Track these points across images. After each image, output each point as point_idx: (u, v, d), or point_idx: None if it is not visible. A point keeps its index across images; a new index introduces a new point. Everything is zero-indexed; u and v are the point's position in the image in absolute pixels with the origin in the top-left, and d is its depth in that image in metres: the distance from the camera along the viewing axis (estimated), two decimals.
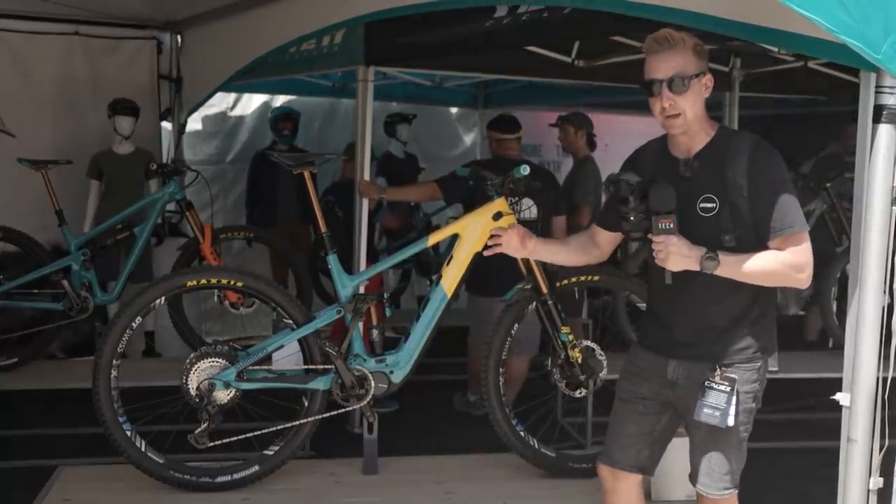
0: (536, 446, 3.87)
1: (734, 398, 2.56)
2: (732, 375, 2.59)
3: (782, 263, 2.50)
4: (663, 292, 2.69)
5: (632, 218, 2.60)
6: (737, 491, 2.72)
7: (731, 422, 2.56)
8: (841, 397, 2.42)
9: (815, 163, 6.80)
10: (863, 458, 2.38)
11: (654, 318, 2.79)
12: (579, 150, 6.04)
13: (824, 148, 7.01)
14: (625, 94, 7.03)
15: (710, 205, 2.55)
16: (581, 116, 6.14)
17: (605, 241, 2.92)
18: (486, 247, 3.14)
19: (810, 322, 6.91)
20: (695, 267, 2.50)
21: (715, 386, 2.58)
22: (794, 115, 8.05)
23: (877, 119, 2.31)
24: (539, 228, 4.63)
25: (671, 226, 2.50)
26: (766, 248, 2.52)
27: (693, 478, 2.75)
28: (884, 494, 2.45)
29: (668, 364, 2.70)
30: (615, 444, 2.81)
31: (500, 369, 3.85)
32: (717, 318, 2.63)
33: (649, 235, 2.55)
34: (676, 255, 2.50)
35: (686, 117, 2.54)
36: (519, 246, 2.97)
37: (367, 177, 5.00)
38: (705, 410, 2.58)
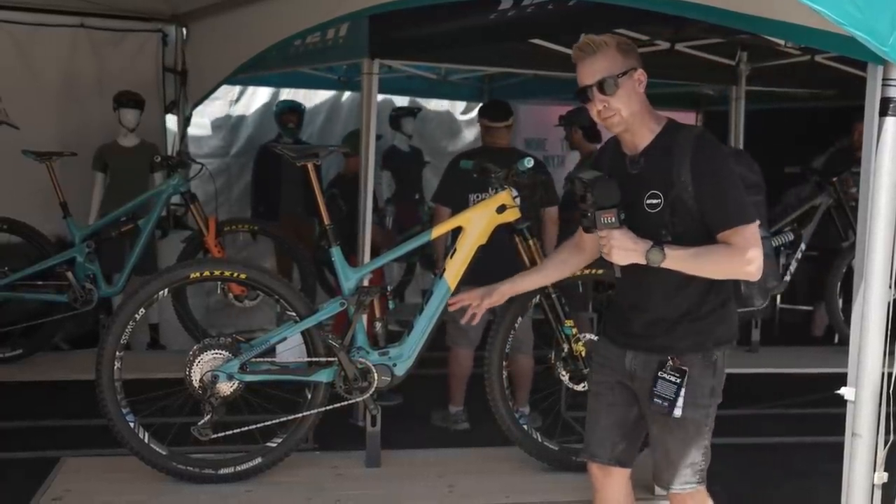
0: (540, 440, 3.86)
1: (683, 389, 2.58)
2: (683, 367, 2.61)
3: (728, 257, 2.51)
4: (620, 285, 2.73)
5: (589, 215, 2.61)
6: (702, 487, 2.72)
7: (677, 413, 2.59)
8: (846, 392, 2.41)
9: (828, 158, 6.78)
10: (867, 453, 2.38)
11: (615, 310, 2.82)
12: (581, 146, 6.03)
13: (833, 143, 6.99)
14: None
15: (655, 201, 2.57)
16: (573, 113, 6.08)
17: (591, 242, 2.92)
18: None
19: (817, 318, 6.89)
20: (640, 260, 2.51)
21: (665, 376, 2.61)
22: (802, 110, 8.02)
23: (883, 112, 2.30)
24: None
25: (613, 220, 2.52)
26: (713, 240, 2.53)
27: (654, 476, 2.77)
28: (888, 489, 2.45)
29: (626, 355, 2.73)
30: (593, 439, 2.84)
31: (504, 363, 3.84)
32: (668, 311, 2.65)
33: (596, 231, 2.56)
34: (619, 248, 2.52)
35: (622, 115, 2.56)
36: (485, 301, 3.06)
37: (371, 170, 4.99)
38: (655, 400, 2.62)
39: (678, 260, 2.50)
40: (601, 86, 2.53)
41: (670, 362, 2.61)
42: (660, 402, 2.60)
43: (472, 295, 3.10)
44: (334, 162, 6.54)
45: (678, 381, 2.59)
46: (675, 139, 2.57)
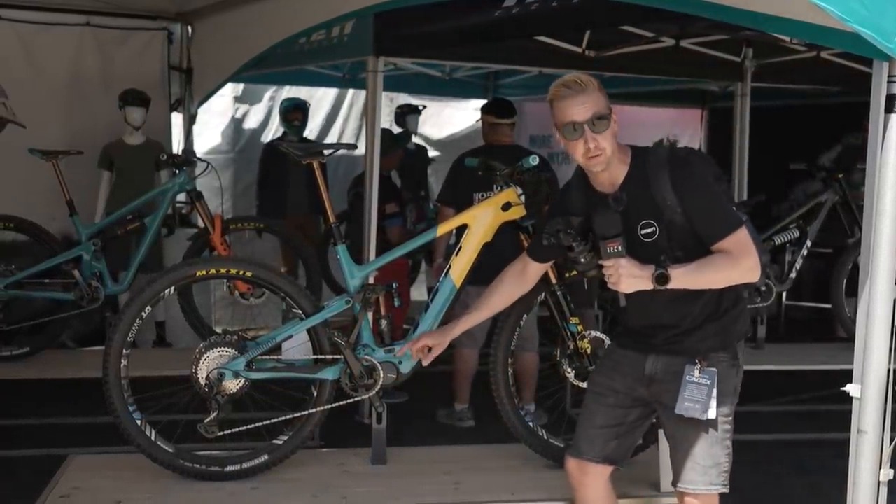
0: (545, 437, 3.86)
1: (714, 391, 2.60)
2: (713, 369, 2.63)
3: (730, 263, 2.54)
4: (631, 310, 2.72)
5: (582, 260, 2.64)
6: (725, 491, 2.71)
7: (711, 414, 2.60)
8: (851, 389, 2.41)
9: (838, 155, 6.77)
10: (873, 449, 2.37)
11: (630, 330, 2.83)
12: None
13: (840, 139, 6.97)
14: (635, 84, 7.01)
15: (650, 230, 2.59)
16: None
17: (536, 272, 3.04)
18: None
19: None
20: (648, 286, 2.52)
21: (695, 380, 2.62)
22: (807, 106, 8.00)
23: (889, 109, 2.30)
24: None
25: (620, 248, 2.53)
26: (709, 251, 2.56)
27: (675, 479, 2.74)
28: (894, 486, 2.45)
29: (647, 359, 2.74)
30: (583, 436, 2.86)
31: (510, 360, 3.84)
32: (691, 322, 2.67)
33: (599, 261, 2.58)
34: (627, 276, 2.52)
35: (607, 154, 2.58)
36: (440, 343, 3.25)
37: (376, 167, 4.99)
38: (686, 404, 2.62)
39: (683, 278, 2.52)
40: (594, 123, 2.54)
41: (698, 365, 2.63)
42: (691, 405, 2.60)
43: (425, 342, 3.28)
44: (357, 161, 6.53)
45: (709, 382, 2.60)
46: (648, 165, 2.60)
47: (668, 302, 2.63)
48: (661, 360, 2.71)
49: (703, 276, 2.55)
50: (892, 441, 2.40)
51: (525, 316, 3.88)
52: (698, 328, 2.66)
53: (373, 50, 4.90)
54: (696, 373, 2.61)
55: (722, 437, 2.67)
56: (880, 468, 2.38)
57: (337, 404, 3.68)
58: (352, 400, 3.70)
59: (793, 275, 5.75)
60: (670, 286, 2.50)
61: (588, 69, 6.32)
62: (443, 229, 3.91)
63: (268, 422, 3.65)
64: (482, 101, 8.92)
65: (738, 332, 2.72)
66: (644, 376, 2.74)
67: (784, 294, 6.55)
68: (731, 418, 2.69)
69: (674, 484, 2.75)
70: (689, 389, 2.61)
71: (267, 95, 8.29)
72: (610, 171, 2.62)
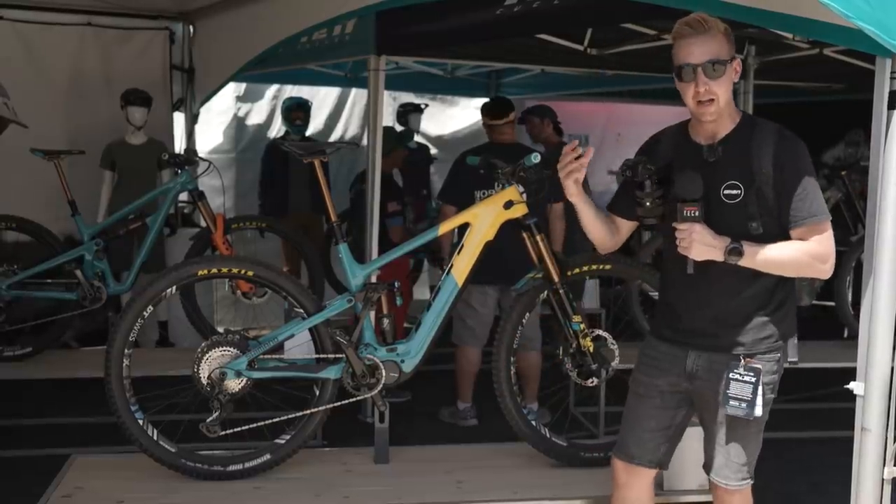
0: (548, 436, 3.86)
1: (760, 388, 2.53)
2: (757, 366, 2.55)
3: (806, 253, 2.47)
4: (681, 283, 2.64)
5: (647, 203, 2.57)
6: (752, 482, 2.70)
7: (759, 412, 2.53)
8: (855, 386, 2.41)
9: (841, 152, 6.77)
10: (877, 447, 2.37)
11: (670, 310, 2.74)
12: (548, 139, 6.09)
13: (843, 136, 6.96)
14: (638, 82, 7.00)
15: (734, 191, 2.52)
16: (543, 107, 6.23)
17: (624, 227, 2.85)
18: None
19: None
20: (718, 257, 2.46)
21: (740, 377, 2.55)
22: (811, 103, 8.00)
23: (892, 105, 2.30)
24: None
25: (696, 213, 2.46)
26: (787, 237, 2.49)
27: (708, 468, 2.73)
28: None
29: (688, 356, 2.65)
30: (632, 440, 2.78)
31: (512, 358, 3.84)
32: (739, 308, 2.59)
33: (674, 224, 2.51)
34: (700, 243, 2.46)
35: (719, 103, 2.50)
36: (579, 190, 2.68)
37: (378, 166, 4.99)
38: (731, 403, 2.55)
39: (755, 257, 2.46)
40: (706, 68, 2.46)
41: (743, 361, 2.56)
42: (737, 403, 2.53)
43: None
44: (360, 159, 6.52)
45: (754, 380, 2.53)
46: (755, 131, 2.53)
47: (724, 278, 2.54)
48: (703, 356, 2.63)
49: (777, 260, 2.47)
50: (895, 439, 2.39)
51: (527, 314, 3.88)
52: (744, 321, 2.58)
53: (375, 49, 4.90)
54: (741, 369, 2.54)
55: (757, 436, 2.65)
56: (884, 466, 2.38)
57: (339, 403, 3.68)
58: (354, 399, 3.70)
59: None
60: (741, 263, 2.45)
61: (590, 67, 6.37)
62: (444, 228, 3.90)
63: (270, 421, 3.65)
64: (484, 100, 8.98)
65: (782, 333, 2.62)
66: (685, 372, 2.67)
67: None
68: (766, 416, 2.63)
69: (706, 470, 2.74)
70: (732, 387, 2.54)
71: (269, 95, 8.29)
72: (717, 123, 2.54)
